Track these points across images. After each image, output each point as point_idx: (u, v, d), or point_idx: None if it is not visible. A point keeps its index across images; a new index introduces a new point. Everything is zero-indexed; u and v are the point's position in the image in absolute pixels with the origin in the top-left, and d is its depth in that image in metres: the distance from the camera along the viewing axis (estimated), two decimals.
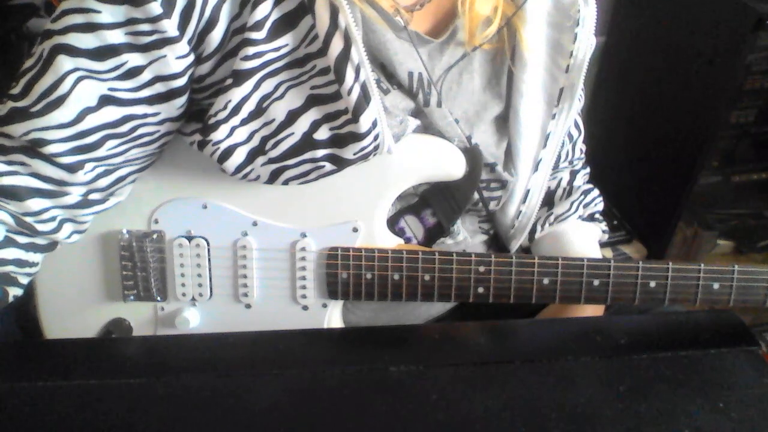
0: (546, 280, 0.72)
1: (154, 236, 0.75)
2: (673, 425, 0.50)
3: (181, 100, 0.64)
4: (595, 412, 0.51)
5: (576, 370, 0.55)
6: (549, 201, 0.89)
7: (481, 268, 0.71)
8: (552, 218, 0.88)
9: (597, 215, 0.91)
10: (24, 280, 0.67)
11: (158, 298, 0.77)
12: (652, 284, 0.72)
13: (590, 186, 0.92)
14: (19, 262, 0.66)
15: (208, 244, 0.75)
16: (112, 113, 0.62)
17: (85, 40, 0.58)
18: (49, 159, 0.62)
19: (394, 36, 0.69)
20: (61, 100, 0.60)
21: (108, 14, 0.57)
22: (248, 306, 0.77)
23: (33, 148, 0.62)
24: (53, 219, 0.66)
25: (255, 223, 0.74)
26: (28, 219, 0.64)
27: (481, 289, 0.72)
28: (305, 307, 0.76)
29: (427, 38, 0.72)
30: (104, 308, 0.78)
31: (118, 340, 0.74)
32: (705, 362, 0.56)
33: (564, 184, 0.90)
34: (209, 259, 0.75)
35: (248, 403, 0.52)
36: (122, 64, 0.60)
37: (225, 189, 0.73)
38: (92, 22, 0.57)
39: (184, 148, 0.72)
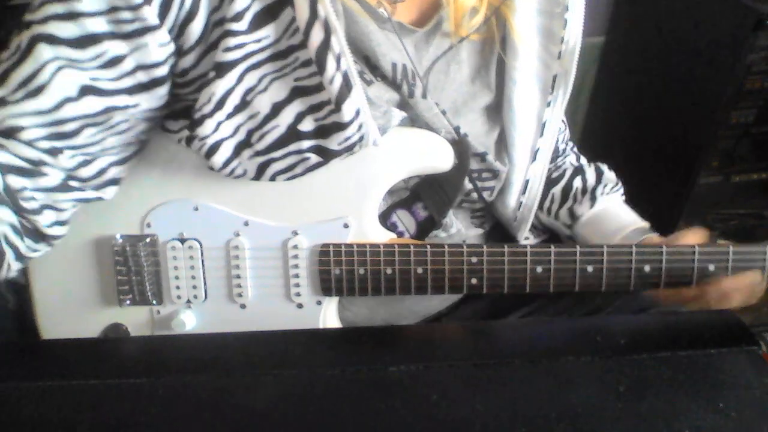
0: (539, 269, 0.71)
1: (148, 240, 0.75)
2: (673, 425, 0.50)
3: (162, 90, 0.64)
4: (595, 412, 0.51)
5: (576, 370, 0.55)
6: (565, 197, 0.89)
7: (474, 259, 0.71)
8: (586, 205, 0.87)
9: (609, 189, 0.90)
10: (19, 245, 0.65)
11: (154, 302, 0.77)
12: (647, 268, 0.71)
13: (599, 171, 0.90)
14: (14, 228, 0.65)
15: (200, 245, 0.75)
16: (92, 103, 0.62)
17: (66, 29, 0.58)
18: (26, 143, 0.62)
19: (377, 27, 0.69)
20: (40, 89, 0.60)
21: (89, 2, 0.57)
22: (243, 306, 0.76)
23: (10, 134, 0.62)
24: (33, 200, 0.65)
25: (246, 223, 0.74)
26: (11, 192, 0.63)
27: (474, 281, 0.72)
28: (300, 305, 0.76)
29: (412, 28, 0.72)
30: (101, 314, 0.78)
31: (117, 340, 0.74)
32: (705, 362, 0.56)
33: (579, 184, 0.89)
34: (202, 261, 0.75)
35: (248, 403, 0.52)
36: (104, 53, 0.60)
37: (215, 190, 0.73)
38: (73, 11, 0.58)
39: (174, 150, 0.72)
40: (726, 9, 1.29)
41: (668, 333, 0.62)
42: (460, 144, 0.74)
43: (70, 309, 0.78)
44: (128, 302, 0.77)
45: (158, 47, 0.61)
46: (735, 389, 0.53)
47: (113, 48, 0.60)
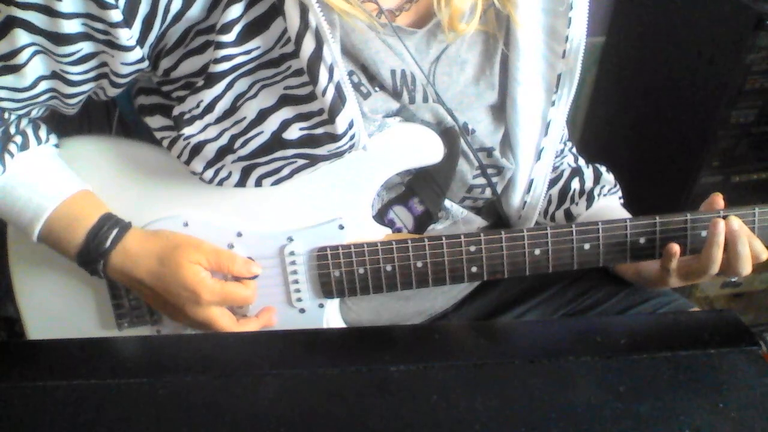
0: (537, 251, 0.71)
1: None
2: (673, 425, 0.50)
3: (117, 89, 0.68)
4: (595, 412, 0.51)
5: (576, 370, 0.55)
6: (562, 198, 0.89)
7: (472, 248, 0.71)
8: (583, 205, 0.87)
9: (606, 190, 0.89)
10: None
11: (153, 322, 0.76)
12: (642, 240, 0.71)
13: (597, 173, 0.90)
14: None
15: None
16: (59, 86, 0.65)
17: (45, 23, 0.59)
18: None
19: (375, 35, 0.69)
20: (17, 68, 0.62)
21: (68, 3, 0.58)
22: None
23: None
24: None
25: (240, 234, 0.73)
26: None
27: (474, 269, 0.72)
28: (302, 310, 0.76)
29: (411, 30, 0.71)
30: None
31: (118, 340, 0.74)
32: (705, 362, 0.56)
33: (576, 186, 0.89)
34: None
35: (248, 403, 0.52)
36: (77, 51, 0.62)
37: (204, 203, 0.72)
38: (52, 8, 0.58)
39: (159, 169, 0.71)
40: (726, 9, 1.29)
41: (668, 333, 0.62)
42: (449, 133, 0.74)
43: None
44: (127, 325, 0.76)
45: (122, 65, 0.63)
46: (735, 389, 0.53)
47: (86, 47, 0.62)
